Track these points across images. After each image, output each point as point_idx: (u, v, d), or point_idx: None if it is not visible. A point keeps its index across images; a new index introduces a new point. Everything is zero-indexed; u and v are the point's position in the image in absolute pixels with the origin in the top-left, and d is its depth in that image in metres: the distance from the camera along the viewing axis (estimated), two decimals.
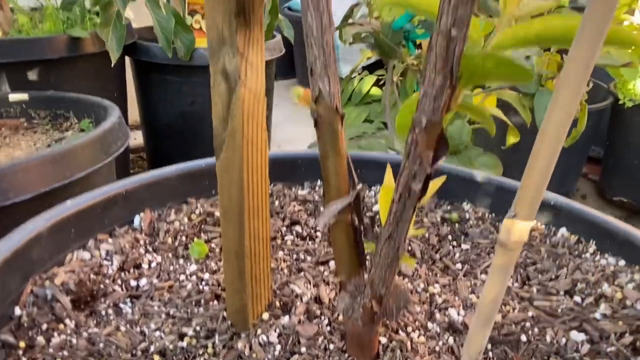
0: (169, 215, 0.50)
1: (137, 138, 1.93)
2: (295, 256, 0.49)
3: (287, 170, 0.58)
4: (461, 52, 0.26)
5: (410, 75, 1.02)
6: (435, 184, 0.38)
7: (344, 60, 2.43)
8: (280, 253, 0.49)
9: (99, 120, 1.06)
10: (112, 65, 1.21)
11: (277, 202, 0.55)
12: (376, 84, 2.44)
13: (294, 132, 2.25)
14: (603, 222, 0.48)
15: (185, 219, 0.50)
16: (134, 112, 1.69)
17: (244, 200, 0.36)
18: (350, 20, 0.98)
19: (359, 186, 0.58)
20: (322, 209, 0.56)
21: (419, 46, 0.96)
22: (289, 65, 2.83)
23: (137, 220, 0.48)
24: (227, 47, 0.32)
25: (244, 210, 0.36)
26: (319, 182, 0.60)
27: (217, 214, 0.51)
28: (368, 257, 0.38)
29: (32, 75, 1.22)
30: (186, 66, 1.42)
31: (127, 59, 1.50)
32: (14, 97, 1.14)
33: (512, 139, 0.84)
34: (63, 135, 1.07)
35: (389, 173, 0.38)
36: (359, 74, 2.46)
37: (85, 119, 1.09)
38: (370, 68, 2.09)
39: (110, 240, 0.45)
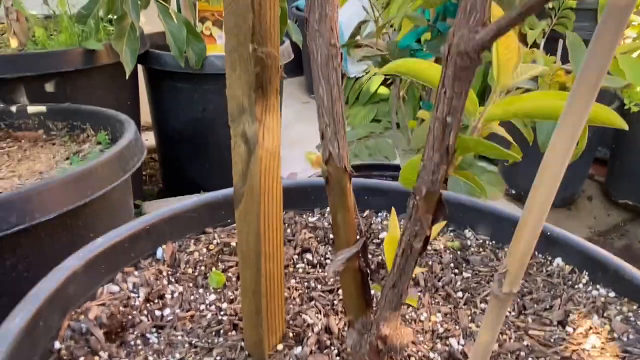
0: (188, 246, 0.54)
1: (148, 139, 1.97)
2: (306, 284, 0.52)
3: (298, 197, 0.61)
4: (456, 135, 0.29)
5: (415, 89, 1.04)
6: (436, 228, 0.41)
7: (352, 60, 2.45)
8: (293, 281, 0.53)
9: (114, 132, 1.09)
10: (127, 77, 1.24)
11: (289, 230, 0.59)
12: (384, 83, 2.46)
13: (303, 132, 2.28)
14: (596, 254, 0.51)
15: (204, 249, 0.54)
16: (145, 114, 1.72)
17: (261, 246, 0.39)
18: (357, 37, 1.01)
19: (368, 214, 0.61)
20: (331, 236, 0.59)
21: None
22: (297, 64, 2.85)
23: (159, 252, 0.52)
24: (246, 115, 0.35)
25: (260, 255, 0.40)
26: (327, 209, 0.63)
27: (233, 243, 0.55)
28: (374, 297, 0.42)
29: (49, 87, 1.26)
30: (197, 74, 1.45)
31: (139, 66, 1.53)
32: (32, 109, 1.18)
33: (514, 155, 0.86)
34: (81, 147, 1.11)
35: (393, 221, 0.41)
36: (366, 73, 2.48)
37: (101, 131, 1.13)
38: None
39: (136, 272, 0.49)
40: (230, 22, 0.32)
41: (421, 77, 0.35)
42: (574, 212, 1.80)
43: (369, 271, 0.39)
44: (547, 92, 0.31)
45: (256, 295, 0.41)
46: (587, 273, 0.51)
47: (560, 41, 1.74)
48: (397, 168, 1.11)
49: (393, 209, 0.42)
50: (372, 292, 0.41)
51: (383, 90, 2.48)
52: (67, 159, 1.07)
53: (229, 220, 0.58)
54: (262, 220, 0.39)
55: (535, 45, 1.71)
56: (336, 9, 0.33)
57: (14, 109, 1.17)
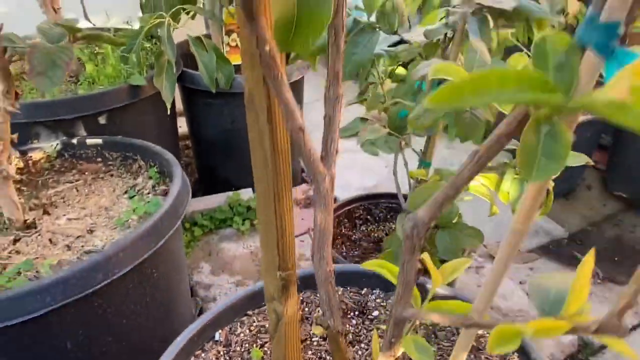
0: (236, 329, 0.76)
1: (182, 126, 2.17)
2: (319, 354, 0.75)
3: (313, 281, 0.82)
4: (400, 344, 0.49)
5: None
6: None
7: None
8: (309, 352, 0.75)
9: (162, 166, 1.30)
10: (168, 112, 1.43)
11: (307, 309, 0.81)
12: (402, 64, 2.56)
13: (322, 114, 2.43)
14: (525, 344, 0.71)
15: (247, 330, 0.76)
16: (179, 103, 1.90)
17: (286, 357, 0.61)
18: (364, 97, 1.17)
19: (365, 292, 0.82)
20: None
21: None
22: None
23: (217, 335, 0.75)
24: (276, 301, 0.55)
25: None
26: (340, 290, 0.84)
27: (267, 325, 0.77)
28: None
29: (102, 120, 1.46)
30: (227, 92, 1.62)
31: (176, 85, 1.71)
32: (90, 141, 1.40)
33: (493, 210, 1.05)
34: (135, 181, 1.32)
35: (375, 348, 0.62)
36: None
37: (151, 164, 1.33)
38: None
39: (203, 355, 0.72)
40: (264, 264, 0.52)
41: (389, 273, 0.55)
42: (572, 201, 1.95)
43: None
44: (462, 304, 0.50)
45: None
46: (516, 355, 0.72)
47: None
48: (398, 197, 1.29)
49: (375, 332, 0.63)
50: None
51: (400, 70, 2.58)
52: (126, 192, 1.29)
53: (262, 304, 0.80)
54: (289, 347, 0.60)
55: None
56: (330, 257, 0.52)
57: (75, 141, 1.39)
